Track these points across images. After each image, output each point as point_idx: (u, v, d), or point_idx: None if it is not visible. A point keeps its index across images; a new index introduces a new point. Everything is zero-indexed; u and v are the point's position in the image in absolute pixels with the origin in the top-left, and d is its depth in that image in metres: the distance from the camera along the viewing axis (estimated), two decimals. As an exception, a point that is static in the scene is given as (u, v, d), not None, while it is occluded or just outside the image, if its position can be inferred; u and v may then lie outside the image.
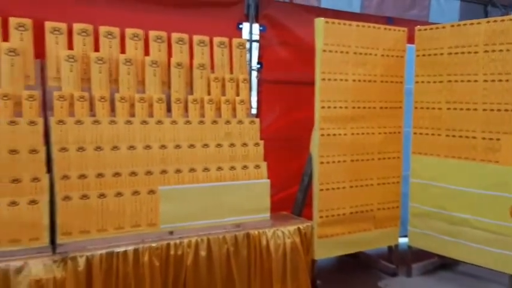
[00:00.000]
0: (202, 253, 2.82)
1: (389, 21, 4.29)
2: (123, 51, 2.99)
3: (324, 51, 3.26)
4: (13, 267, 2.33)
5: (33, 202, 2.47)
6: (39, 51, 2.78)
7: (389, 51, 3.59)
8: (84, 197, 2.60)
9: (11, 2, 2.84)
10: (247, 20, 3.71)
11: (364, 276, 3.81)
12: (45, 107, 2.74)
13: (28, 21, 2.74)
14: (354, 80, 3.42)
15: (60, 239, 2.53)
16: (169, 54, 3.12)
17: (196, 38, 3.21)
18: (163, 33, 3.10)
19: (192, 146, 3.00)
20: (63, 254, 2.47)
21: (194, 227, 2.88)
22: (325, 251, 3.40)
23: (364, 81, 3.48)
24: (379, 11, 4.41)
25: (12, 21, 2.70)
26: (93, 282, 2.51)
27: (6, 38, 2.69)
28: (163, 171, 2.87)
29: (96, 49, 2.92)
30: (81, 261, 2.48)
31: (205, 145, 3.04)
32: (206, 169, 3.00)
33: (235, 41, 3.37)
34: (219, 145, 3.09)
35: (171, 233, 2.82)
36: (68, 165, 2.63)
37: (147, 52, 3.06)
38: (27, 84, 2.70)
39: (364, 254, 3.95)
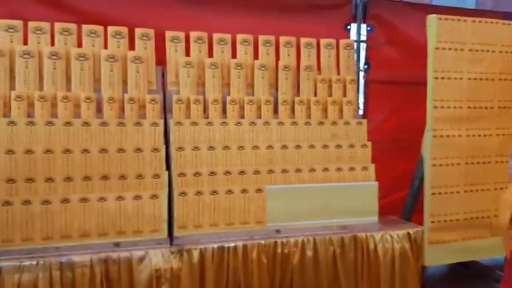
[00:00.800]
0: (309, 253, 2.85)
1: (506, 16, 3.99)
2: (234, 56, 3.14)
3: (437, 49, 3.13)
4: (136, 256, 2.56)
5: (154, 196, 2.69)
6: (160, 59, 3.02)
7: (508, 48, 3.34)
8: (198, 193, 2.77)
9: (136, 15, 3.13)
10: (355, 21, 3.69)
11: (478, 287, 3.58)
12: (165, 110, 2.96)
13: (151, 31, 2.99)
14: (469, 79, 3.23)
15: (176, 232, 2.73)
16: (277, 57, 3.22)
17: (303, 40, 3.27)
18: (272, 37, 3.20)
19: (298, 146, 3.05)
20: (179, 246, 2.65)
21: (300, 226, 2.93)
22: (436, 258, 3.25)
23: (480, 79, 3.27)
24: (496, 6, 4.13)
25: (137, 31, 2.97)
26: (206, 274, 2.66)
27: (132, 47, 2.96)
28: (271, 171, 2.95)
29: (210, 55, 3.10)
30: (195, 254, 2.64)
31: (312, 146, 3.07)
32: (312, 170, 3.04)
33: (342, 42, 3.37)
34: (325, 146, 3.11)
35: (278, 231, 2.90)
36: (184, 164, 2.82)
37: (255, 56, 3.18)
38: (150, 89, 2.95)
39: (477, 263, 3.71)
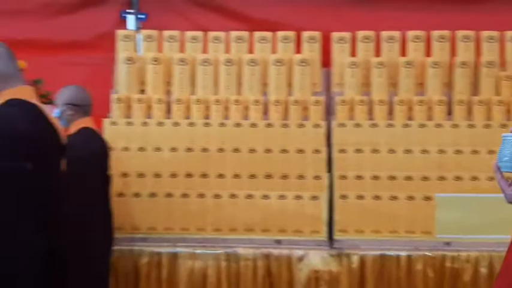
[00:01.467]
0: (483, 270, 2.54)
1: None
2: (403, 54, 2.98)
3: None
4: (295, 255, 2.62)
5: (314, 198, 2.72)
6: (326, 60, 3.04)
7: None
8: (360, 197, 2.71)
9: (303, 18, 3.21)
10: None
11: None
12: (328, 111, 2.97)
13: (318, 34, 3.03)
14: None
15: (336, 235, 2.70)
16: (453, 54, 2.94)
17: (484, 34, 2.93)
18: (446, 32, 2.94)
19: (475, 152, 2.74)
20: (339, 249, 2.62)
21: (474, 240, 2.63)
22: None
23: None
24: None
25: (304, 34, 3.04)
26: (366, 282, 2.58)
27: (299, 50, 3.04)
28: (441, 178, 2.72)
29: (377, 54, 3.00)
30: (355, 259, 2.58)
31: (491, 151, 2.73)
32: (491, 178, 2.70)
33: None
34: (509, 152, 2.73)
35: (447, 244, 2.65)
36: (346, 166, 2.78)
37: (427, 53, 2.96)
38: (314, 91, 2.98)
39: None
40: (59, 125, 1.91)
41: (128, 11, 3.40)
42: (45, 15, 3.42)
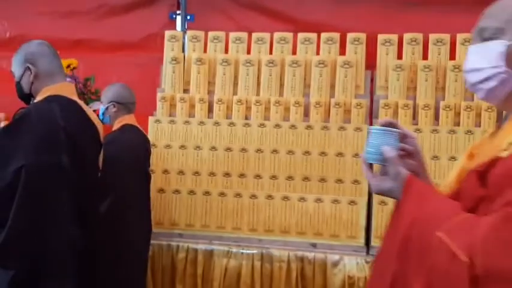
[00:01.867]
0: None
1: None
2: (452, 57, 2.86)
3: None
4: (330, 260, 2.58)
5: (352, 202, 2.67)
6: (370, 62, 2.97)
7: None
8: (399, 204, 2.62)
9: (348, 19, 3.15)
10: None
11: None
12: (371, 115, 2.90)
13: (363, 36, 2.97)
14: None
15: (374, 242, 2.64)
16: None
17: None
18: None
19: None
20: (376, 256, 2.55)
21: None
22: None
23: None
24: None
25: (349, 36, 2.99)
26: (402, 291, 2.50)
27: (343, 52, 2.99)
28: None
29: (424, 57, 2.90)
30: (391, 267, 2.50)
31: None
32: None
33: None
34: None
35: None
36: (386, 171, 2.70)
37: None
38: (357, 94, 2.93)
39: None
40: (98, 121, 1.99)
41: (176, 12, 3.48)
42: (97, 16, 3.57)
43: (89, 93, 3.23)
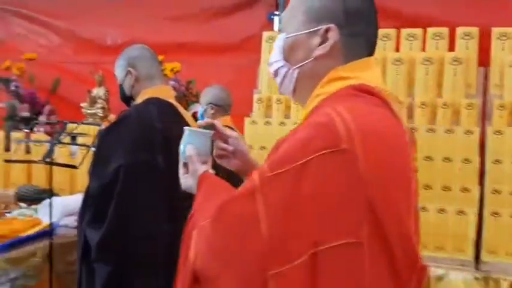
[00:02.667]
0: None
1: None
2: None
3: None
4: (435, 274, 2.37)
5: (461, 212, 2.43)
6: (483, 59, 2.70)
7: None
8: (516, 216, 2.35)
9: (457, 12, 2.89)
10: None
11: None
12: (484, 116, 2.63)
13: (474, 30, 2.71)
14: None
15: (484, 256, 2.38)
16: None
17: None
18: None
19: None
20: (486, 272, 2.31)
21: None
22: None
23: None
24: None
25: (459, 30, 2.74)
26: (518, 314, 2.23)
27: (452, 48, 2.75)
28: None
29: (549, 51, 2.56)
30: (504, 285, 2.25)
31: None
32: None
33: None
34: None
35: None
36: (501, 179, 2.43)
37: None
38: (468, 93, 2.67)
39: None
40: (194, 123, 2.02)
41: (274, 12, 3.47)
42: (201, 19, 3.68)
43: (190, 96, 3.33)
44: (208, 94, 2.64)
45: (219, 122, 1.15)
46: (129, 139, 1.74)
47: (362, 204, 0.77)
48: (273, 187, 0.79)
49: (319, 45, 0.93)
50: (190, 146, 1.09)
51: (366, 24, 0.96)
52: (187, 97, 3.31)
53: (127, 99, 1.96)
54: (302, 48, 0.95)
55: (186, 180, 1.10)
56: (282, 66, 0.98)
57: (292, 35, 0.96)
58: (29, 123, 3.58)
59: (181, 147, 1.11)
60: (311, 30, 0.93)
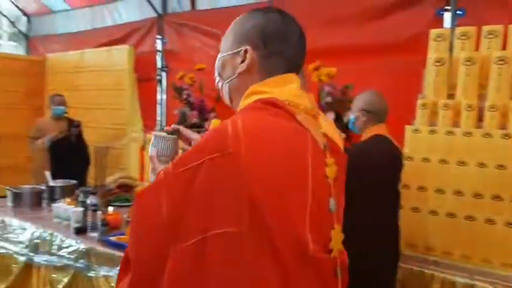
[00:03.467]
0: None
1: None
2: None
3: None
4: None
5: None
6: None
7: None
8: None
9: None
10: None
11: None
12: None
13: None
14: None
15: None
16: None
17: None
18: None
19: None
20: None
21: None
22: None
23: None
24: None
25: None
26: None
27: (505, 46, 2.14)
28: None
29: None
30: None
31: None
32: None
33: None
34: None
35: None
36: None
37: None
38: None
39: None
40: (335, 131, 1.87)
41: (445, 8, 3.08)
42: (360, 21, 3.47)
43: (346, 102, 3.15)
44: (360, 100, 2.45)
45: (183, 128, 1.28)
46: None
47: (244, 200, 0.90)
48: (174, 183, 0.96)
49: (240, 64, 1.08)
50: (153, 148, 1.22)
51: (284, 45, 1.08)
52: (343, 102, 3.14)
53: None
54: (229, 66, 1.11)
55: (150, 176, 1.21)
56: (218, 81, 1.17)
57: (223, 54, 1.13)
58: (197, 129, 3.81)
59: (149, 149, 1.24)
60: (234, 51, 1.10)
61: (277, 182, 0.93)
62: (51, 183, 3.51)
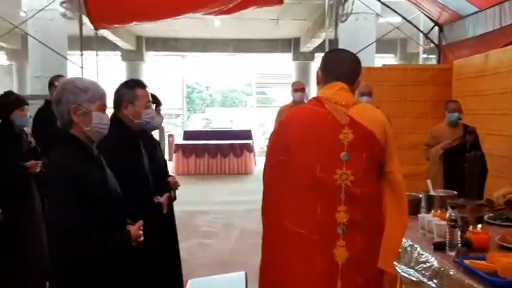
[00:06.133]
0: None
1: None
2: None
3: None
4: None
5: None
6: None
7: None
8: None
9: None
10: None
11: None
12: None
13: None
14: None
15: None
16: None
17: None
18: None
19: None
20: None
21: None
22: None
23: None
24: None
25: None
26: None
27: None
28: None
29: None
30: None
31: None
32: None
33: None
34: None
35: None
36: None
37: None
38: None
39: None
40: None
41: None
42: None
43: None
44: None
45: None
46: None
47: (284, 143, 1.98)
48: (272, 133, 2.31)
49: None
50: None
51: (335, 67, 2.08)
52: None
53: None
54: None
55: None
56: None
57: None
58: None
59: None
60: (317, 72, 2.14)
61: (299, 135, 1.96)
62: (431, 192, 3.38)
